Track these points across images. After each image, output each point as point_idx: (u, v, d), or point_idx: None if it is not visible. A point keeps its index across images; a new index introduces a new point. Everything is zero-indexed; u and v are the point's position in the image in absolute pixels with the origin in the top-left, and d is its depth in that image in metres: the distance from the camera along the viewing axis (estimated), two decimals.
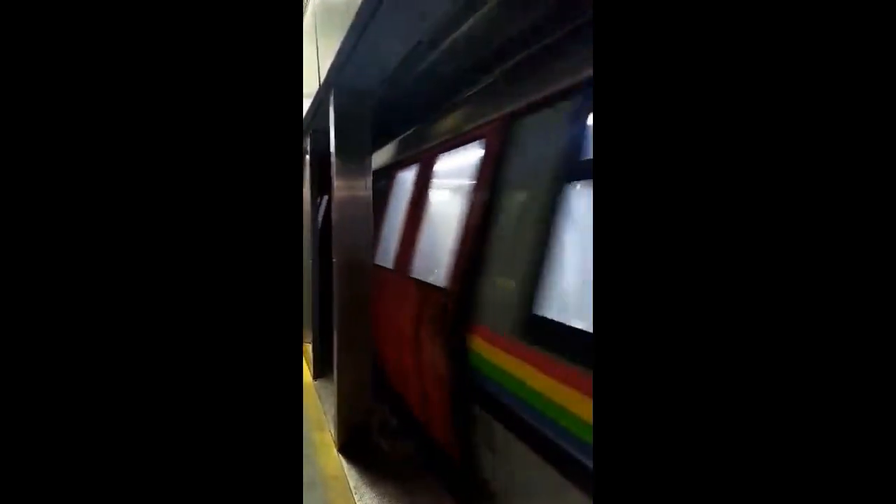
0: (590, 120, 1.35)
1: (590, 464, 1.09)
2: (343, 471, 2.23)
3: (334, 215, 2.39)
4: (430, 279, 2.19)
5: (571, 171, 1.38)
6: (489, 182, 1.76)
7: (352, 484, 2.11)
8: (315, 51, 2.38)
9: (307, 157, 3.62)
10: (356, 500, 2.00)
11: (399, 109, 3.07)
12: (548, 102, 1.57)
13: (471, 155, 2.04)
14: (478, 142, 1.96)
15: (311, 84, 2.58)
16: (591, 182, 1.27)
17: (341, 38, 1.76)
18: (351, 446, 2.40)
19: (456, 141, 2.19)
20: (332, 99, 2.28)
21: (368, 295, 2.43)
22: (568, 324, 1.27)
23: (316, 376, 3.50)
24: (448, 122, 2.40)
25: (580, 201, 1.37)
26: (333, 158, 2.34)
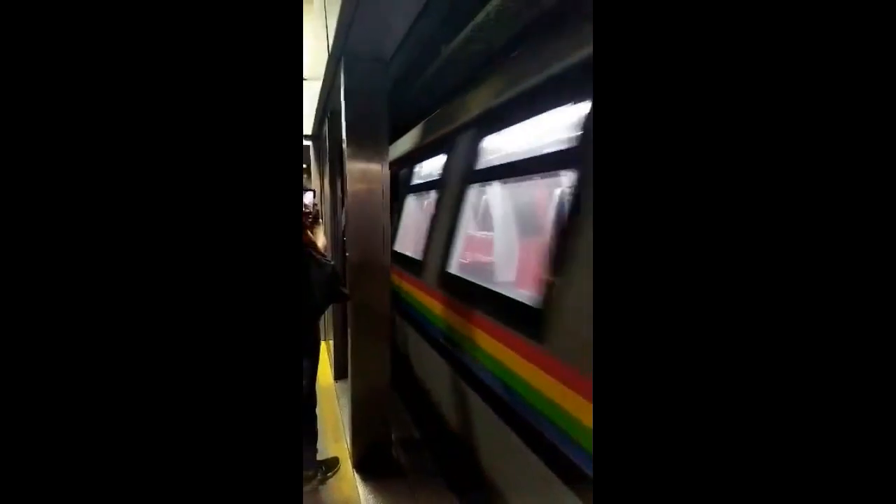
0: None
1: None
2: (358, 492, 2.00)
3: (348, 206, 2.13)
4: None
5: None
6: None
7: None
8: (323, 19, 2.10)
9: (326, 143, 3.39)
10: None
11: None
12: None
13: None
14: None
15: (322, 60, 2.31)
16: None
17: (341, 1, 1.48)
18: (368, 463, 2.17)
19: None
20: (342, 73, 2.00)
21: (385, 291, 2.16)
22: None
23: (338, 377, 3.31)
24: None
25: None
26: (345, 144, 2.07)
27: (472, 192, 2.28)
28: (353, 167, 2.07)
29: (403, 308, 2.97)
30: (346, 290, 2.14)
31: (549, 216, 1.80)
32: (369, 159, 2.08)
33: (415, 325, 2.72)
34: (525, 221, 2.39)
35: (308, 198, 2.05)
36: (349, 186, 2.08)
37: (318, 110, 3.33)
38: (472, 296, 1.94)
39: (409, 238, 3.38)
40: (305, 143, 4.10)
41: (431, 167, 2.97)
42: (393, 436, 2.29)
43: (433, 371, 2.37)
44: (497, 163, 2.02)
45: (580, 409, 1.12)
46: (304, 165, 4.32)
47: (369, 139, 2.08)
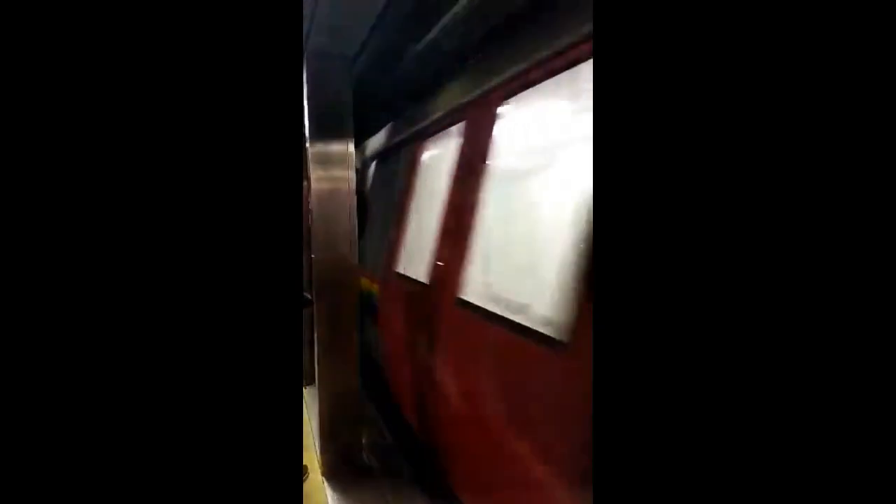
0: None
1: None
2: (327, 501, 1.94)
3: (313, 208, 2.07)
4: None
5: None
6: None
7: None
8: None
9: None
10: None
11: None
12: None
13: None
14: None
15: None
16: None
17: None
18: (338, 470, 2.11)
19: None
20: (303, 70, 1.94)
21: (352, 293, 2.11)
22: None
23: (306, 382, 3.21)
24: None
25: None
26: (308, 142, 2.01)
27: None
28: (318, 167, 2.01)
29: None
30: (310, 296, 2.08)
31: None
32: (334, 159, 2.03)
33: None
34: None
35: None
36: (314, 186, 2.02)
37: None
38: None
39: None
40: None
41: None
42: (364, 440, 2.25)
43: None
44: None
45: None
46: None
47: (333, 138, 2.02)
